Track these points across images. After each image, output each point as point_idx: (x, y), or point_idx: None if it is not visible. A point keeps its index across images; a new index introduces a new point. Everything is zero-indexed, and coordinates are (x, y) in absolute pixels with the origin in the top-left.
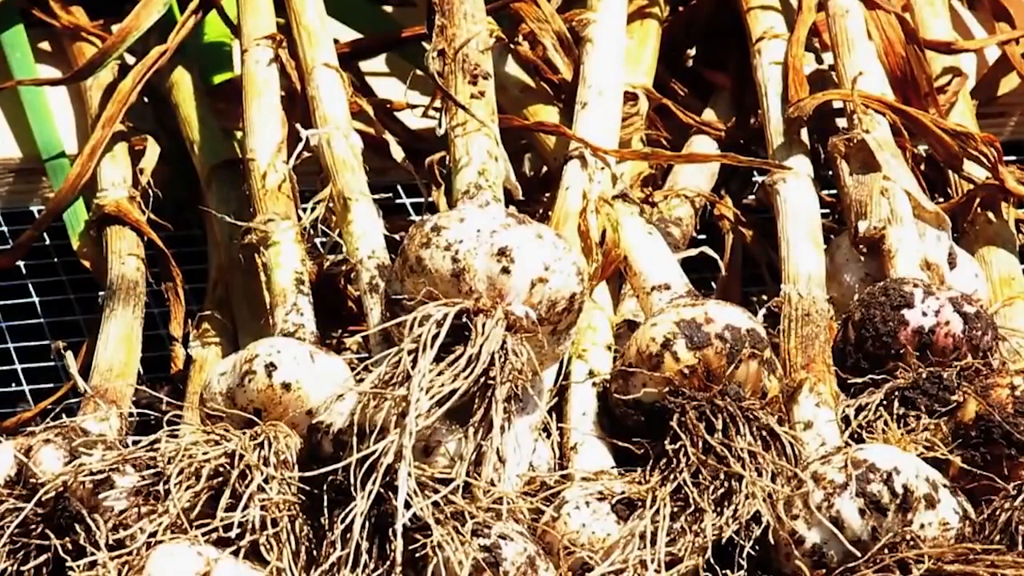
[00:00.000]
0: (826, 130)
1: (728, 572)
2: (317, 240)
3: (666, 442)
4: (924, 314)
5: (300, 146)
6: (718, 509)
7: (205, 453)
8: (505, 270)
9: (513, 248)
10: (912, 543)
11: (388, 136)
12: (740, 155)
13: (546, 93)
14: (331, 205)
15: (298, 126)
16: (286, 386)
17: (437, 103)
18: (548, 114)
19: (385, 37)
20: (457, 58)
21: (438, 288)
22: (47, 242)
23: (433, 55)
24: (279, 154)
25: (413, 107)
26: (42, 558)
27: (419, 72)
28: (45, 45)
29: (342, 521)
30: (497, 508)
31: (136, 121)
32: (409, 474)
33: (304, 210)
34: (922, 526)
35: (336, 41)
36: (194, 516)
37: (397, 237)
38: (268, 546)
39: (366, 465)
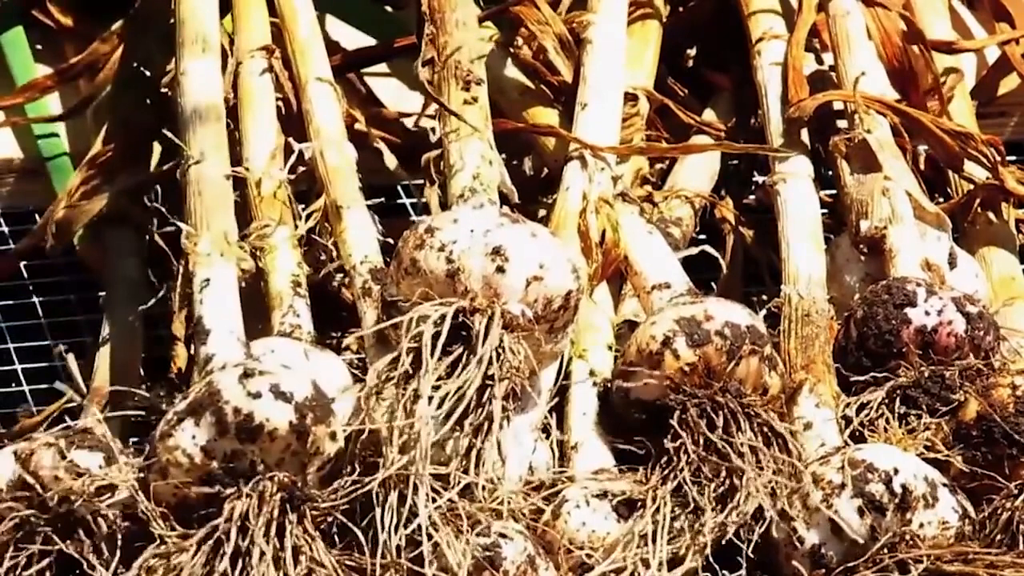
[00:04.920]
0: (826, 130)
1: (728, 572)
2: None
3: (667, 440)
4: (927, 313)
5: (293, 158)
6: (718, 507)
7: None
8: (500, 269)
9: (507, 247)
10: (911, 543)
11: (381, 144)
12: (739, 157)
13: (547, 95)
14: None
15: (291, 140)
16: None
17: (430, 110)
18: (549, 116)
19: (383, 47)
20: (449, 64)
21: (433, 289)
22: (48, 242)
23: (422, 64)
24: (273, 161)
25: (405, 116)
26: (44, 563)
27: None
28: (45, 45)
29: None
30: (497, 507)
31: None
32: (420, 483)
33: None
34: (921, 525)
35: (337, 44)
36: None
37: (390, 241)
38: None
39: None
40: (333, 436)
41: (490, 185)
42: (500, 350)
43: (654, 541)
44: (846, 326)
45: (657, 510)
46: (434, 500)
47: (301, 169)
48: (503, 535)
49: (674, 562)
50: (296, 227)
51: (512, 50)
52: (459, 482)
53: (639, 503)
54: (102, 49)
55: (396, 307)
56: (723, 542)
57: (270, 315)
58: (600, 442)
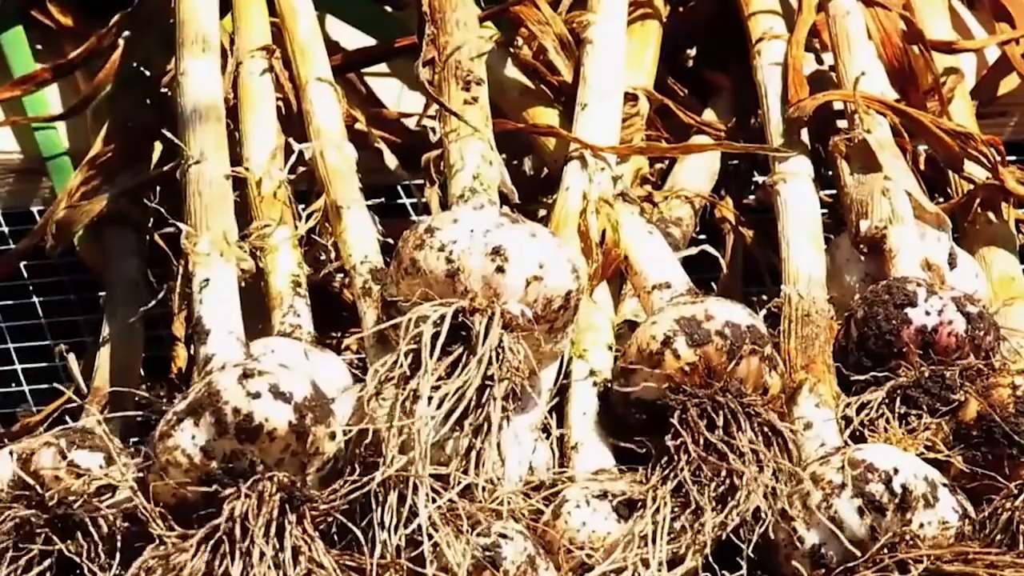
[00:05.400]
0: (826, 130)
1: (728, 572)
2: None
3: (667, 440)
4: (927, 313)
5: (293, 158)
6: (718, 507)
7: None
8: (500, 269)
9: (507, 247)
10: (911, 543)
11: (382, 144)
12: (739, 157)
13: (547, 95)
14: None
15: (291, 140)
16: None
17: (431, 110)
18: (549, 116)
19: (383, 47)
20: (449, 64)
21: (433, 289)
22: (48, 242)
23: (422, 64)
24: (274, 161)
25: (406, 116)
26: (46, 563)
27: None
28: (45, 46)
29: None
30: (497, 507)
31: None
32: (420, 483)
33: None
34: (921, 525)
35: (337, 44)
36: None
37: (390, 241)
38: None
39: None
40: (332, 436)
41: (490, 185)
42: (500, 350)
43: (654, 541)
44: (846, 326)
45: (657, 510)
46: (434, 500)
47: (301, 169)
48: (503, 535)
49: (674, 562)
50: (296, 227)
51: (512, 50)
52: (459, 482)
53: (639, 503)
54: (99, 44)
55: (396, 307)
56: (723, 540)
57: (270, 315)
58: (600, 442)
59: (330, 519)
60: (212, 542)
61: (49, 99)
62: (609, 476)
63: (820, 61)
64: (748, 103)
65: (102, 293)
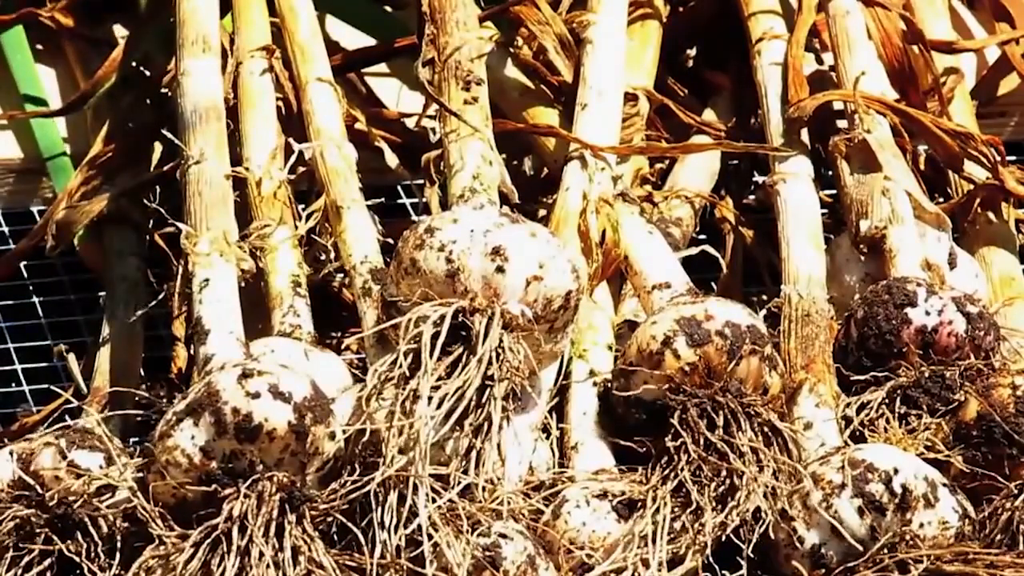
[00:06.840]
0: (826, 130)
1: (728, 572)
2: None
3: (667, 440)
4: (927, 313)
5: (293, 158)
6: (719, 507)
7: None
8: (500, 269)
9: (507, 247)
10: (911, 543)
11: (383, 143)
12: (739, 157)
13: (547, 95)
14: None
15: (291, 140)
16: None
17: (430, 110)
18: (549, 116)
19: (383, 47)
20: (449, 64)
21: (433, 289)
22: (48, 242)
23: (422, 65)
24: (274, 161)
25: (406, 116)
26: (46, 563)
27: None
28: (45, 46)
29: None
30: (497, 507)
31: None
32: (420, 483)
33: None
34: (921, 525)
35: (337, 44)
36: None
37: (390, 241)
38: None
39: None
40: (332, 436)
41: (490, 185)
42: (500, 350)
43: (654, 541)
44: (846, 326)
45: (657, 510)
46: (434, 500)
47: (301, 169)
48: (503, 535)
49: (674, 562)
50: (296, 227)
51: (512, 50)
52: (459, 482)
53: (639, 503)
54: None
55: (396, 307)
56: (723, 540)
57: (270, 315)
58: (600, 442)
59: (330, 519)
60: (211, 542)
61: (49, 98)
62: (609, 476)
63: (820, 61)
64: (748, 103)
65: (102, 293)
